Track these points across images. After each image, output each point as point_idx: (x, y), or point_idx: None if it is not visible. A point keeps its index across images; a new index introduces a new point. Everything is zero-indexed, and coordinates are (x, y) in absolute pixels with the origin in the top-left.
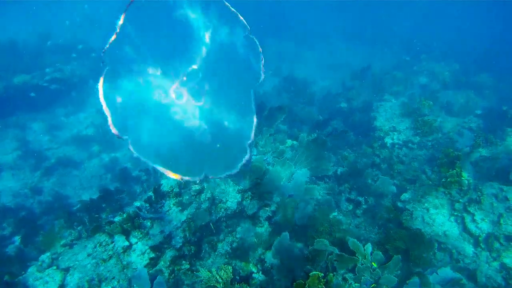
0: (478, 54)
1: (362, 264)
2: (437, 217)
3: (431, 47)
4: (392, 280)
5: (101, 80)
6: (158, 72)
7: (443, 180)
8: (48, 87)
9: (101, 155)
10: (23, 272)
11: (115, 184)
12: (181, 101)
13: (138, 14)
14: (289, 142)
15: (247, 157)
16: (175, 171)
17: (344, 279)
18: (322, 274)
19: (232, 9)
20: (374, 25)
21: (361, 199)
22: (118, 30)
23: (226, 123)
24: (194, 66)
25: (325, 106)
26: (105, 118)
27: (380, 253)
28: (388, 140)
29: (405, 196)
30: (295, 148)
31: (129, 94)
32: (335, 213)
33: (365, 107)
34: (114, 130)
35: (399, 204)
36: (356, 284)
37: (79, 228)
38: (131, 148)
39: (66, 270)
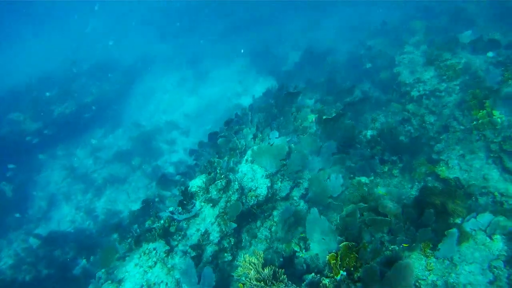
0: None
1: (395, 225)
2: (473, 162)
3: None
4: (428, 233)
5: None
6: None
7: (475, 122)
8: (84, 111)
9: (143, 166)
10: None
11: (159, 190)
12: None
13: None
14: (311, 117)
15: None
16: None
17: (382, 243)
18: (354, 243)
19: None
20: None
21: (395, 158)
22: None
23: None
24: None
25: (350, 70)
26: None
27: (414, 211)
28: (415, 93)
29: (439, 146)
30: (319, 122)
31: None
32: (372, 177)
33: (389, 63)
34: None
35: (434, 156)
36: (393, 246)
37: (128, 240)
38: None
39: (119, 282)
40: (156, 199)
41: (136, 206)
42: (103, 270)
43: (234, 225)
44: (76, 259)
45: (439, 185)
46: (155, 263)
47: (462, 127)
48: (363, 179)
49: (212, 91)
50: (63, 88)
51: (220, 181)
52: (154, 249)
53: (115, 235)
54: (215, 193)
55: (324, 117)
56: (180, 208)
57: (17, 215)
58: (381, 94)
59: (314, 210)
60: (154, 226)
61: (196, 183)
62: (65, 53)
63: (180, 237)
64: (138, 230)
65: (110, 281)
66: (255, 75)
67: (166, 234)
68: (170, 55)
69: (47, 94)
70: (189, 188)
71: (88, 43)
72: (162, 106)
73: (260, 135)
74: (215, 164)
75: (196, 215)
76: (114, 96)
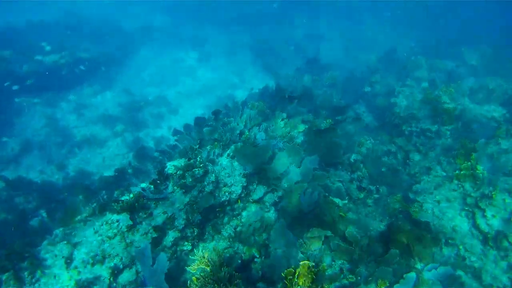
0: None
1: (358, 255)
2: (447, 211)
3: (466, 30)
4: (387, 272)
5: None
6: None
7: (457, 172)
8: (77, 66)
9: (124, 134)
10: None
11: (134, 163)
12: None
13: None
14: (302, 127)
15: None
16: None
17: (341, 270)
18: (313, 264)
19: None
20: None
21: (373, 188)
22: None
23: None
24: None
25: (348, 89)
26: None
27: (378, 246)
28: (406, 128)
29: (417, 187)
30: (307, 134)
31: None
32: (345, 201)
33: (387, 92)
34: None
35: (411, 195)
36: (351, 276)
37: (93, 205)
38: None
39: (74, 245)
40: (130, 171)
41: (109, 172)
42: (61, 229)
43: (199, 216)
44: (37, 211)
45: (409, 225)
46: (115, 235)
47: (444, 174)
48: (337, 201)
49: (209, 77)
50: (60, 38)
51: (198, 170)
52: (117, 221)
53: (81, 196)
54: (190, 180)
55: (314, 128)
56: (152, 186)
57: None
58: (374, 120)
59: (282, 222)
60: (123, 198)
61: (173, 165)
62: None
63: (145, 216)
64: (105, 197)
65: (66, 242)
66: (255, 70)
67: (132, 209)
68: (173, 31)
69: (43, 44)
70: (165, 169)
71: None
72: (156, 79)
73: (247, 133)
74: (197, 151)
75: (166, 198)
76: (110, 59)
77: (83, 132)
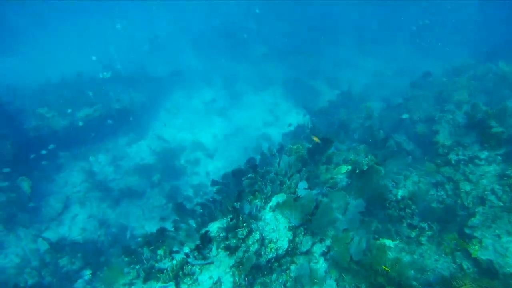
0: None
1: None
2: (510, 246)
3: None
4: None
5: None
6: None
7: None
8: (110, 118)
9: (162, 184)
10: None
11: (174, 217)
12: None
13: None
14: (344, 168)
15: None
16: None
17: None
18: None
19: None
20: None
21: (424, 225)
22: None
23: None
24: None
25: (386, 118)
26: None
27: None
28: (452, 156)
29: (473, 220)
30: (350, 176)
31: None
32: (397, 241)
33: (427, 118)
34: None
35: (467, 231)
36: None
37: (137, 267)
38: None
39: None
40: (171, 228)
41: (149, 225)
42: None
43: (247, 279)
44: (81, 271)
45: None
46: None
47: (500, 204)
48: (388, 242)
49: (242, 115)
50: (91, 90)
51: (242, 230)
52: None
53: (124, 257)
54: (234, 241)
55: (357, 170)
56: (196, 252)
57: (31, 204)
58: (416, 148)
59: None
60: (166, 265)
61: (216, 228)
62: (101, 55)
63: (191, 282)
64: (148, 256)
65: None
66: (288, 106)
67: (176, 276)
68: (203, 72)
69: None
70: (208, 232)
71: (122, 48)
72: (189, 123)
73: (288, 183)
74: (239, 210)
75: (211, 262)
76: (142, 106)
77: (121, 185)
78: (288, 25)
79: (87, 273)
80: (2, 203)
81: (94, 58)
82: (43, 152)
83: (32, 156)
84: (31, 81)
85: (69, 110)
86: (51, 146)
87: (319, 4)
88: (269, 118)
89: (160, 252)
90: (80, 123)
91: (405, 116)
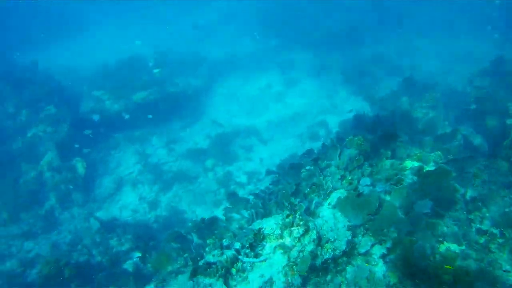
0: None
1: None
2: None
3: None
4: None
5: None
6: None
7: None
8: (165, 101)
9: (215, 169)
10: None
11: (226, 204)
12: None
13: None
14: (409, 163)
15: None
16: None
17: None
18: None
19: None
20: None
21: (495, 231)
22: None
23: None
24: None
25: (450, 107)
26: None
27: None
28: None
29: None
30: (416, 173)
31: None
32: (463, 247)
33: (498, 110)
34: None
35: None
36: None
37: (185, 255)
38: None
39: None
40: (223, 217)
41: (200, 210)
42: (151, 286)
43: (300, 279)
44: (130, 253)
45: None
46: None
47: None
48: (453, 247)
49: (299, 102)
50: (148, 75)
51: (298, 229)
52: (210, 285)
53: (174, 244)
54: (290, 240)
55: (424, 168)
56: (248, 249)
57: (85, 184)
58: (484, 142)
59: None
60: (216, 259)
61: (270, 225)
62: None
63: (240, 279)
64: (197, 244)
65: None
66: (346, 93)
67: (226, 273)
68: (258, 57)
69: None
70: (262, 229)
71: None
72: (245, 108)
73: (349, 177)
74: (296, 206)
75: (263, 260)
76: (197, 90)
77: (174, 168)
78: (346, 10)
79: (136, 255)
80: (58, 182)
81: (138, 42)
82: (98, 133)
83: (87, 137)
84: (89, 64)
85: (125, 93)
86: (105, 128)
87: None
88: (326, 105)
89: (210, 241)
90: (135, 106)
91: (472, 106)
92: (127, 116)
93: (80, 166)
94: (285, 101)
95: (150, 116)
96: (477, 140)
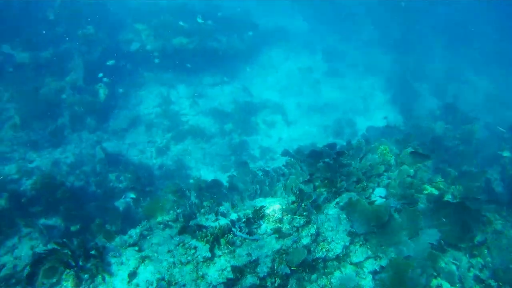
0: None
1: None
2: None
3: None
4: None
5: None
6: None
7: None
8: (203, 53)
9: (232, 135)
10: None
11: (233, 172)
12: None
13: None
14: (428, 188)
15: None
16: None
17: None
18: None
19: None
20: None
21: (494, 284)
22: None
23: None
24: None
25: (483, 147)
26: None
27: None
28: None
29: None
30: (432, 201)
31: None
32: None
33: None
34: None
35: None
36: None
37: (179, 210)
38: None
39: (143, 259)
40: (226, 184)
41: (206, 171)
42: (137, 230)
43: (287, 269)
44: (125, 192)
45: None
46: (188, 262)
47: None
48: (445, 286)
49: (334, 95)
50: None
51: (300, 218)
52: (195, 247)
53: (171, 196)
54: (288, 227)
55: (443, 198)
56: (244, 224)
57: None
58: (505, 192)
59: None
60: (208, 224)
61: (272, 205)
62: None
63: (227, 251)
64: (193, 203)
65: (137, 248)
66: (384, 99)
67: (214, 240)
68: (307, 39)
69: (181, 23)
70: (263, 208)
71: None
72: (279, 85)
73: (365, 184)
74: (303, 195)
75: (255, 240)
76: (237, 52)
77: (192, 121)
78: (404, 19)
79: (130, 196)
80: (75, 101)
81: None
82: (129, 66)
83: (117, 67)
84: None
85: (166, 34)
86: (135, 65)
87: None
88: (360, 105)
89: (207, 203)
90: (172, 50)
91: (505, 153)
92: (157, 61)
93: (102, 92)
94: (320, 89)
95: (189, 65)
96: (499, 188)
